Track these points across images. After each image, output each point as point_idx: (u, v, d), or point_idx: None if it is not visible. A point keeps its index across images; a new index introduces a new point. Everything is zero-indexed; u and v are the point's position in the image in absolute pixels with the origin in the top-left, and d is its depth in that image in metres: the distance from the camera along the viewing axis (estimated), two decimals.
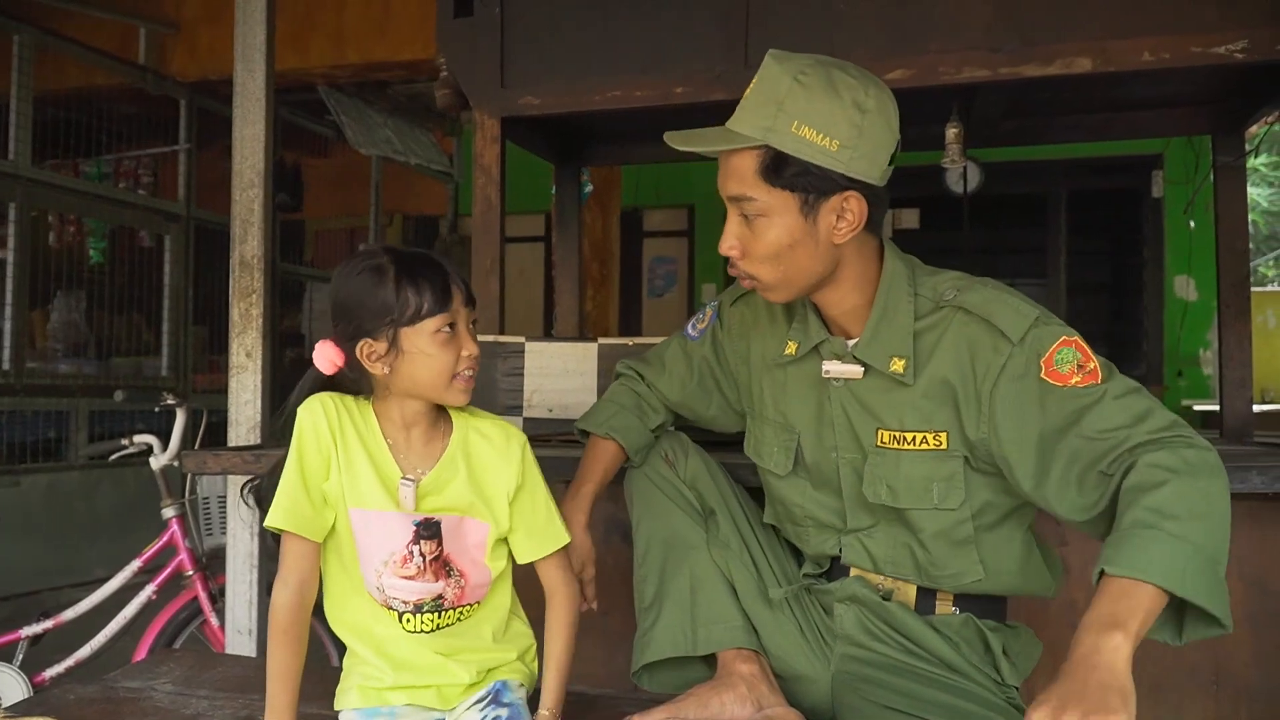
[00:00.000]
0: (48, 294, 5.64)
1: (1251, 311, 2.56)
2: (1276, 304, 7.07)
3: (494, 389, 2.31)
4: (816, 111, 1.34)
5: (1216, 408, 6.51)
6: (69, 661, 2.86)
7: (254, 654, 2.51)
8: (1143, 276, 7.66)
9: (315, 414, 1.40)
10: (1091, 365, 1.31)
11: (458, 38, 2.44)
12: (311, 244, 8.37)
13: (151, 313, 5.72)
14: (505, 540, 1.50)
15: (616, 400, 1.78)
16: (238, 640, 2.55)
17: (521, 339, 2.33)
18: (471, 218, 2.48)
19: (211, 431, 2.93)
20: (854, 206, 1.38)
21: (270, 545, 1.47)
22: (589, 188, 3.71)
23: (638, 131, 2.97)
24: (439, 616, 1.45)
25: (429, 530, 1.43)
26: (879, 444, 1.46)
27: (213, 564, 2.92)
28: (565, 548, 1.52)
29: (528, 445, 1.51)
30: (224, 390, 6.14)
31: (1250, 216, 2.64)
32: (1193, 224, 6.83)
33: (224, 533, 2.74)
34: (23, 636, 2.87)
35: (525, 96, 2.42)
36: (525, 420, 2.31)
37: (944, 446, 1.42)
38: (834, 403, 1.51)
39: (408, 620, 1.44)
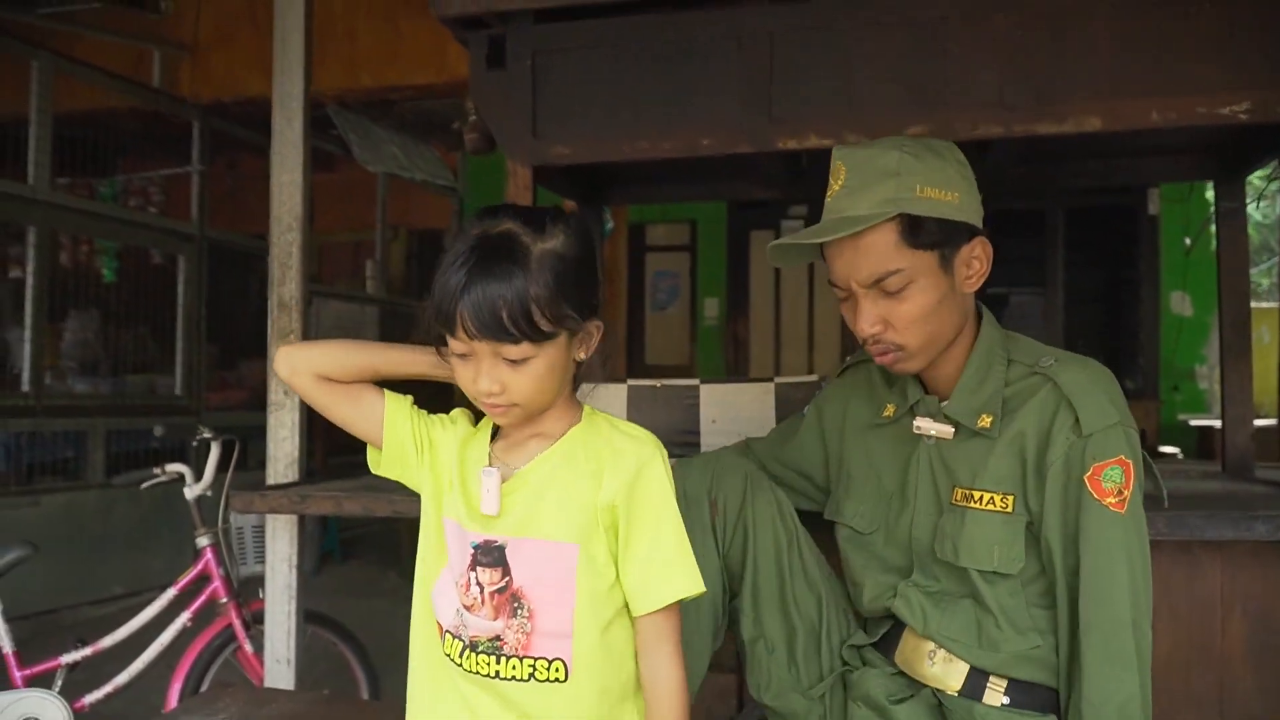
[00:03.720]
0: (61, 312, 5.70)
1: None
2: (1270, 320, 7.17)
3: None
4: (932, 171, 1.42)
5: (1211, 423, 6.63)
6: (108, 688, 2.93)
7: (292, 685, 2.59)
8: (1139, 291, 7.76)
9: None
10: (1126, 494, 1.36)
11: (491, 89, 2.52)
12: (316, 258, 8.44)
13: (164, 330, 5.78)
14: (618, 580, 1.24)
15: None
16: (276, 670, 2.63)
17: None
18: None
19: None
20: (981, 253, 1.48)
21: None
22: (610, 225, 3.79)
23: (660, 174, 3.06)
24: (496, 662, 1.21)
25: (489, 556, 1.22)
26: (953, 501, 1.49)
27: (244, 592, 3.00)
28: (674, 616, 1.24)
29: (657, 460, 1.24)
30: (234, 408, 6.21)
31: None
32: (1188, 241, 6.94)
33: (258, 562, 2.82)
34: (62, 664, 2.94)
35: (557, 147, 2.50)
36: None
37: (1009, 510, 1.44)
38: (920, 460, 1.55)
39: (467, 657, 1.23)
